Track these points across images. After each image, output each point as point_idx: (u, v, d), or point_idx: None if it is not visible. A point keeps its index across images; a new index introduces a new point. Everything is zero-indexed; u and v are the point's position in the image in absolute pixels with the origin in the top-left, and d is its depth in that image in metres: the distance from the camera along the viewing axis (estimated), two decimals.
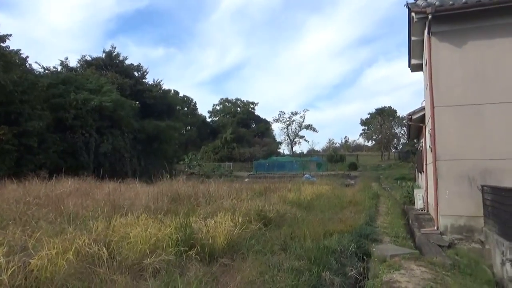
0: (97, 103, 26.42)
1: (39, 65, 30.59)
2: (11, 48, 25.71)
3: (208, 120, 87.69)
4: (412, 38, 13.09)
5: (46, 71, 32.16)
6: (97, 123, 27.04)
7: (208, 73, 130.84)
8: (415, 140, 25.71)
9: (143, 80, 39.05)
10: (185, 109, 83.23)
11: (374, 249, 7.60)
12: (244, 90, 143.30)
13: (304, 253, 6.44)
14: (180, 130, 44.17)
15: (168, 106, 39.74)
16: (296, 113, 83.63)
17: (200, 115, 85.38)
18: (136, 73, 39.46)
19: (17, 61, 24.26)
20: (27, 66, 25.54)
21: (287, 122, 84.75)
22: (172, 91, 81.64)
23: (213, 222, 7.48)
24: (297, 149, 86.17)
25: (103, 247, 5.66)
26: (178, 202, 10.45)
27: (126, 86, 35.12)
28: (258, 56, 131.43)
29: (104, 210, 8.51)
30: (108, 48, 38.28)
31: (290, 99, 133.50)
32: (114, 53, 37.79)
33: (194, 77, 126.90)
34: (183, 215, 9.05)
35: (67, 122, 25.29)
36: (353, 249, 7.10)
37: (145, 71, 39.39)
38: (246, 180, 39.52)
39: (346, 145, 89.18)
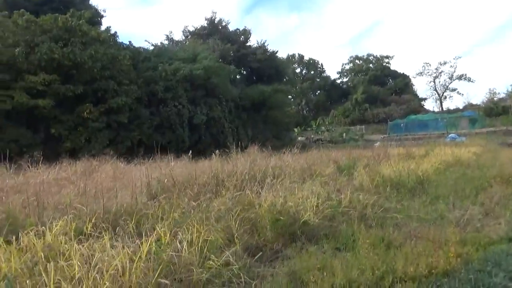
0: (186, 72, 24.43)
1: (149, 42, 30.36)
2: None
3: (338, 81, 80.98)
4: None
5: (154, 46, 31.91)
6: (189, 93, 25.15)
7: (341, 34, 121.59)
8: None
9: (247, 44, 36.06)
10: (312, 72, 78.42)
11: None
12: (380, 45, 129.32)
13: None
14: (289, 93, 40.14)
15: (276, 70, 35.95)
16: (445, 63, 69.55)
17: (328, 77, 79.33)
18: (242, 38, 36.70)
19: (110, 40, 23.75)
20: (119, 43, 25.03)
21: (434, 75, 71.50)
22: (297, 55, 77.91)
23: None
24: (449, 104, 72.56)
25: None
26: (169, 193, 6.67)
27: (228, 52, 32.69)
28: (397, 5, 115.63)
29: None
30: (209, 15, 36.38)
31: (436, 48, 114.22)
32: (216, 20, 35.66)
33: (329, 40, 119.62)
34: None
35: (158, 95, 24.05)
36: None
37: (249, 33, 36.26)
38: (377, 144, 33.78)
39: None
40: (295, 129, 55.30)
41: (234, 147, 12.85)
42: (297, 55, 77.65)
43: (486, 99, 67.18)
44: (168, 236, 4.25)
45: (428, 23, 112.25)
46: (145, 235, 4.30)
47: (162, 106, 24.34)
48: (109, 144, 22.19)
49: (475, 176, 10.17)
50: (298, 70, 79.10)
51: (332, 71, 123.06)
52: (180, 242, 4.14)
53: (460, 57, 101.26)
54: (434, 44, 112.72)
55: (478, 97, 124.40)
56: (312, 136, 55.96)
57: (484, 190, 8.48)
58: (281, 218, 5.15)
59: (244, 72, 37.49)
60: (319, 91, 79.26)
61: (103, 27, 27.56)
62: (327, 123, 63.28)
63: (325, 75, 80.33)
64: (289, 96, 71.71)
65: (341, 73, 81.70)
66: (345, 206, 6.53)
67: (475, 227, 5.36)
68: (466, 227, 5.37)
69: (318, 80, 78.97)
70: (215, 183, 7.31)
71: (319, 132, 57.56)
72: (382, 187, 8.78)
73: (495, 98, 65.98)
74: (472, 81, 72.10)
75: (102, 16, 30.41)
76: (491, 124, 42.78)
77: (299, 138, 51.75)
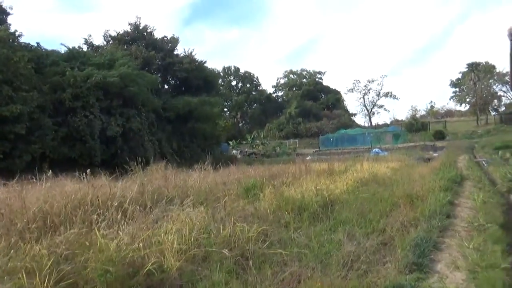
0: (99, 79, 22.24)
1: (65, 46, 27.23)
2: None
3: (274, 95, 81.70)
4: None
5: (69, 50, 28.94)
6: (103, 102, 22.88)
7: (279, 49, 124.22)
8: None
9: (174, 52, 34.41)
10: (247, 85, 78.24)
11: None
12: (315, 61, 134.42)
13: None
14: (219, 105, 39.05)
15: (204, 80, 34.62)
16: (373, 81, 73.82)
17: (264, 91, 79.66)
18: (169, 46, 34.99)
19: (9, 39, 20.90)
20: (23, 45, 22.26)
21: (363, 91, 75.28)
22: (233, 67, 77.29)
23: None
24: (377, 120, 76.47)
25: None
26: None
27: (152, 60, 30.84)
28: (331, 26, 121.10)
29: None
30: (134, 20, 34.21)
31: (365, 67, 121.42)
32: (141, 26, 33.60)
33: (267, 55, 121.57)
34: None
35: (66, 104, 21.57)
36: None
37: (177, 41, 34.65)
38: (309, 158, 33.84)
39: (432, 111, 76.75)
40: (230, 142, 54.42)
41: (136, 163, 11.39)
42: (233, 67, 77.18)
43: (409, 115, 72.01)
44: None
45: (358, 43, 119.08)
46: None
47: (71, 115, 21.85)
48: (3, 158, 19.35)
49: (385, 196, 9.56)
50: (234, 83, 78.69)
51: (269, 85, 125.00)
52: None
53: (386, 76, 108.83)
54: (363, 63, 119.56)
55: (402, 113, 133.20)
56: (246, 149, 55.34)
57: (389, 213, 7.82)
58: (110, 269, 3.82)
59: (172, 82, 35.77)
60: (255, 105, 79.20)
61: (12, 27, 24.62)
62: (262, 136, 63.21)
63: (261, 88, 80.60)
64: (225, 109, 70.91)
65: (276, 87, 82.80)
66: (223, 241, 5.36)
67: (362, 269, 4.43)
68: (351, 269, 4.42)
69: (254, 93, 78.98)
70: (64, 215, 5.78)
71: (254, 146, 57.21)
72: (283, 211, 7.81)
73: (416, 115, 70.96)
74: (397, 99, 77.24)
75: (8, 14, 27.17)
76: (412, 139, 45.13)
77: (233, 152, 50.81)
